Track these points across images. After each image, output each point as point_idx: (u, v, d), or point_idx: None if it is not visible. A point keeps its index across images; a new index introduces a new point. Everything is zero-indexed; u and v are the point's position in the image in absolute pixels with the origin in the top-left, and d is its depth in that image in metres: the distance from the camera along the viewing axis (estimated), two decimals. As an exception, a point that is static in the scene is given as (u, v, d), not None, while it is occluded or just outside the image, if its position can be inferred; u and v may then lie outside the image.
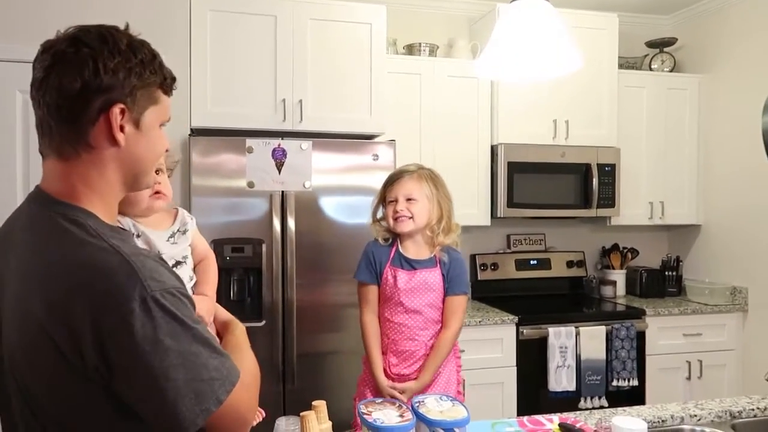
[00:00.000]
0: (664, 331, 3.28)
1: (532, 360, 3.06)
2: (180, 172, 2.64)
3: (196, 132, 2.69)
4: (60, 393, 0.84)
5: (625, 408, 1.71)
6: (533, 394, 3.07)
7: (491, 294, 3.54)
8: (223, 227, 2.55)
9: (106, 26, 0.92)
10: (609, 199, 3.43)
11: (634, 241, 3.83)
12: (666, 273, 3.69)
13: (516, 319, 3.04)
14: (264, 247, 2.58)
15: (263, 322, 2.58)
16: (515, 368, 3.05)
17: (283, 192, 2.60)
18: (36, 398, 0.85)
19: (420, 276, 1.95)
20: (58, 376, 0.82)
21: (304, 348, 2.61)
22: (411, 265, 1.97)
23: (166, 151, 1.02)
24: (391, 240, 2.03)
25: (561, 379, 3.04)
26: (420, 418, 1.28)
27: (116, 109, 0.88)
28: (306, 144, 2.63)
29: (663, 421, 1.63)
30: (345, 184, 2.68)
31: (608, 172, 3.42)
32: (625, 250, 3.77)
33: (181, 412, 0.81)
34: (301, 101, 2.76)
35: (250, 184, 2.56)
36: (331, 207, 2.66)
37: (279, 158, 2.59)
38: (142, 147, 0.93)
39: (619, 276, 3.71)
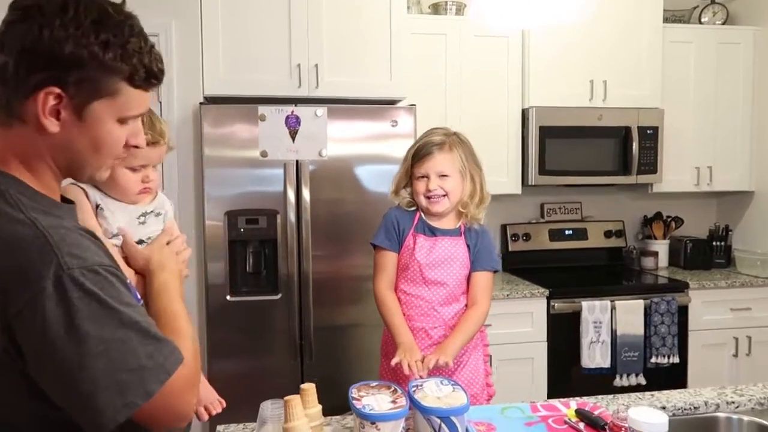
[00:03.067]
0: (710, 306, 3.07)
1: (563, 335, 2.91)
2: (192, 143, 2.58)
3: (209, 101, 2.60)
4: None
5: (653, 393, 1.56)
6: (565, 371, 2.93)
7: (522, 266, 3.38)
8: (237, 199, 2.48)
9: None
10: (650, 165, 3.20)
11: (678, 210, 3.59)
12: (713, 243, 3.45)
13: (546, 292, 2.89)
14: (279, 219, 2.50)
15: (279, 295, 2.52)
16: (546, 343, 2.91)
17: (297, 161, 2.50)
18: None
19: (442, 244, 1.80)
20: None
21: (321, 321, 2.54)
22: (433, 232, 1.82)
23: (135, 147, 0.90)
24: (415, 207, 1.86)
25: (594, 355, 2.89)
26: (414, 404, 1.18)
27: (45, 93, 0.78)
28: (321, 110, 2.51)
29: (696, 408, 1.48)
30: (362, 152, 2.56)
31: (650, 136, 3.18)
32: (669, 219, 3.53)
33: (100, 406, 0.72)
34: (316, 66, 2.64)
35: (263, 154, 2.47)
36: (347, 176, 2.55)
37: (293, 126, 2.49)
38: (82, 140, 0.82)
39: (661, 246, 3.49)
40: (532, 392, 2.89)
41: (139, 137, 0.89)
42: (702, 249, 3.43)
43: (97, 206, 1.12)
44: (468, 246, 1.82)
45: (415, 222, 1.85)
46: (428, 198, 1.78)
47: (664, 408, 1.47)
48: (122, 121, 0.85)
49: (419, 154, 1.79)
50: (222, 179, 2.46)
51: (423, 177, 1.78)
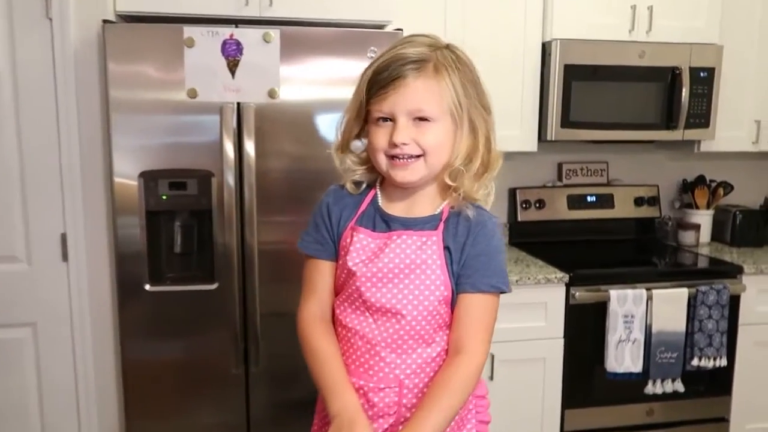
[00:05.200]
0: (766, 295, 2.47)
1: (585, 331, 2.32)
2: (96, 77, 1.91)
3: (121, 20, 1.92)
4: None
5: None
6: (585, 375, 2.35)
7: (535, 239, 2.76)
8: (156, 155, 1.84)
9: None
10: (702, 117, 2.53)
11: (727, 173, 2.93)
12: (769, 215, 2.83)
13: (566, 277, 2.28)
14: (214, 182, 1.86)
15: (216, 285, 1.91)
16: (562, 340, 2.32)
17: (238, 105, 1.85)
18: None
19: (399, 244, 1.08)
20: None
21: (270, 309, 1.92)
22: (387, 223, 1.12)
23: None
24: (366, 185, 1.18)
25: (623, 356, 2.30)
26: None
27: None
28: (273, 34, 1.83)
29: None
30: (328, 94, 1.89)
31: (703, 80, 2.50)
32: (714, 185, 2.89)
33: None
34: (270, -26, 1.94)
35: (192, 94, 1.81)
36: (306, 126, 1.89)
37: (232, 55, 1.82)
38: None
39: (704, 218, 2.86)
40: (542, 401, 2.34)
41: None
42: (754, 222, 2.82)
43: None
44: (447, 247, 1.09)
45: (363, 207, 1.15)
46: (392, 158, 1.07)
47: None
48: None
49: (381, 78, 1.04)
50: (135, 129, 1.81)
51: (385, 120, 1.06)
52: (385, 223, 1.12)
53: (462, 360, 1.06)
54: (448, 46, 1.08)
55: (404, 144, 1.04)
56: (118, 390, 2.03)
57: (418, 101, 1.03)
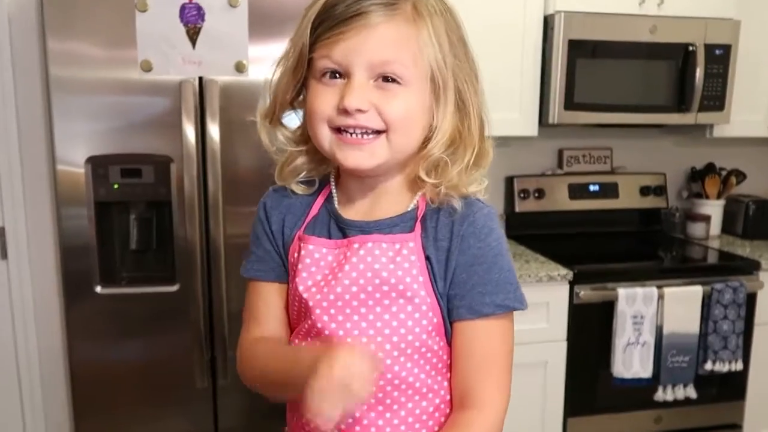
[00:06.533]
0: (783, 292, 2.28)
1: (590, 333, 2.12)
2: (35, 49, 1.67)
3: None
4: None
5: None
6: (589, 381, 2.16)
7: (533, 231, 2.55)
8: (106, 139, 1.60)
9: None
10: (716, 99, 2.32)
11: (739, 161, 2.73)
12: (784, 206, 2.63)
13: (570, 275, 2.07)
14: (173, 169, 1.63)
15: (177, 285, 1.68)
16: (565, 343, 2.12)
17: (200, 80, 1.61)
18: None
19: (363, 256, 0.79)
20: None
21: (239, 312, 1.69)
22: (342, 229, 0.83)
23: None
24: (318, 183, 0.88)
25: (632, 361, 2.10)
26: None
27: None
28: (240, -2, 1.60)
29: None
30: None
31: (719, 58, 2.29)
32: (725, 173, 2.69)
33: None
34: (238, -69, 1.70)
35: (146, 67, 1.57)
36: (278, 105, 1.66)
37: (192, 21, 1.58)
38: None
39: (714, 208, 2.66)
40: (543, 409, 2.14)
41: None
42: (767, 213, 2.62)
43: None
44: (428, 257, 0.79)
45: (314, 210, 0.85)
46: (339, 132, 0.76)
47: None
48: None
49: (335, 13, 0.72)
50: (80, 110, 1.58)
51: (334, 75, 0.75)
52: (341, 230, 0.83)
53: (472, 419, 0.78)
54: None
55: (359, 111, 0.72)
56: (68, 398, 1.81)
57: (386, 51, 0.72)
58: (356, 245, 0.80)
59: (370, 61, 0.72)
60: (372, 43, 0.71)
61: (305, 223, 0.85)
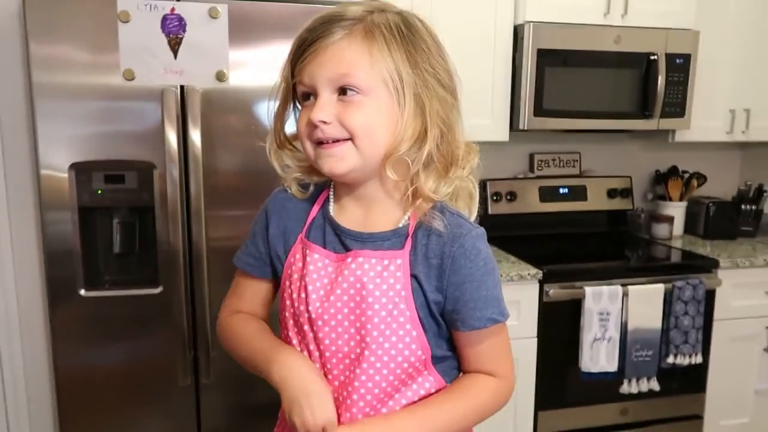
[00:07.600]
0: (741, 289, 2.40)
1: (559, 330, 2.21)
2: (18, 55, 1.70)
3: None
4: None
5: None
6: (559, 376, 2.25)
7: (505, 232, 2.63)
8: (89, 145, 1.64)
9: None
10: (677, 106, 2.44)
11: (701, 164, 2.86)
12: (742, 207, 2.76)
13: (540, 274, 2.16)
14: (156, 175, 1.67)
15: (160, 288, 1.72)
16: (535, 340, 2.21)
17: (182, 88, 1.66)
18: None
19: (354, 270, 0.86)
20: None
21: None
22: (343, 242, 0.89)
23: None
24: (313, 188, 0.95)
25: (598, 356, 2.20)
26: None
27: None
28: (221, 8, 1.64)
29: None
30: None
31: (680, 67, 2.40)
32: (688, 176, 2.81)
33: None
34: (218, -56, 1.75)
35: (128, 75, 1.61)
36: (258, 112, 1.71)
37: (174, 32, 1.62)
38: None
39: (677, 210, 2.79)
40: (515, 403, 2.21)
41: None
42: (727, 214, 2.75)
43: None
44: (414, 275, 0.85)
45: (312, 217, 0.93)
46: (317, 144, 0.85)
47: None
48: None
49: (304, 41, 0.83)
50: (64, 116, 1.61)
51: (307, 97, 0.85)
52: (339, 238, 0.90)
53: (489, 379, 0.90)
54: (400, 12, 0.85)
55: (323, 122, 0.81)
56: (53, 401, 1.84)
57: (341, 65, 0.80)
58: (349, 259, 0.87)
59: (330, 76, 0.81)
60: (329, 60, 0.81)
61: (307, 226, 0.92)
